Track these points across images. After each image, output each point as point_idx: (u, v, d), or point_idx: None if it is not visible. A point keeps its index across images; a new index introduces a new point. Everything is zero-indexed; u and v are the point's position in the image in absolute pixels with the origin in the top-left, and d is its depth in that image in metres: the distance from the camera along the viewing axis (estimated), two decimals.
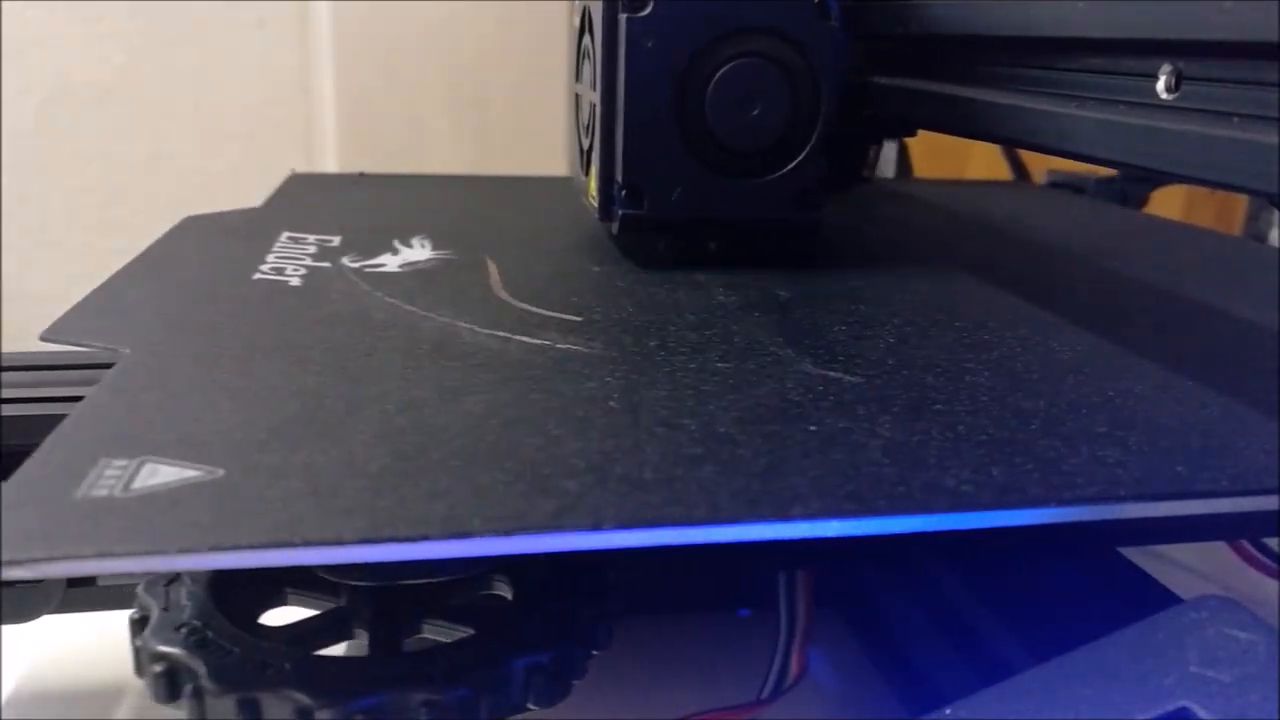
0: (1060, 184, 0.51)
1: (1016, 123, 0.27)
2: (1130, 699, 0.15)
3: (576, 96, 0.33)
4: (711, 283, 0.28)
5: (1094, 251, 0.38)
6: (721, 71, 0.28)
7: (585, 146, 0.31)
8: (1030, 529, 0.17)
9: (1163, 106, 0.22)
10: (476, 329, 0.23)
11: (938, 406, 0.20)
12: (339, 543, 0.15)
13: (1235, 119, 0.20)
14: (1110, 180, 0.48)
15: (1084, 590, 0.23)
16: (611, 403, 0.20)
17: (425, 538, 0.15)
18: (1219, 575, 0.32)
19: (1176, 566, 0.32)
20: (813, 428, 0.19)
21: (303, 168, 0.77)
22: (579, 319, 0.25)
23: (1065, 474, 0.17)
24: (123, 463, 0.16)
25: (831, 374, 0.22)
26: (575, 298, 0.26)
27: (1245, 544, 0.30)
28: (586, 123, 0.31)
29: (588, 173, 0.31)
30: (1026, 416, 0.20)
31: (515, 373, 0.21)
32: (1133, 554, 0.24)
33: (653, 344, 0.23)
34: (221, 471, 0.16)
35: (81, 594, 0.25)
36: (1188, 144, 0.21)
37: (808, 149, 0.29)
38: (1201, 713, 0.14)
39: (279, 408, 0.19)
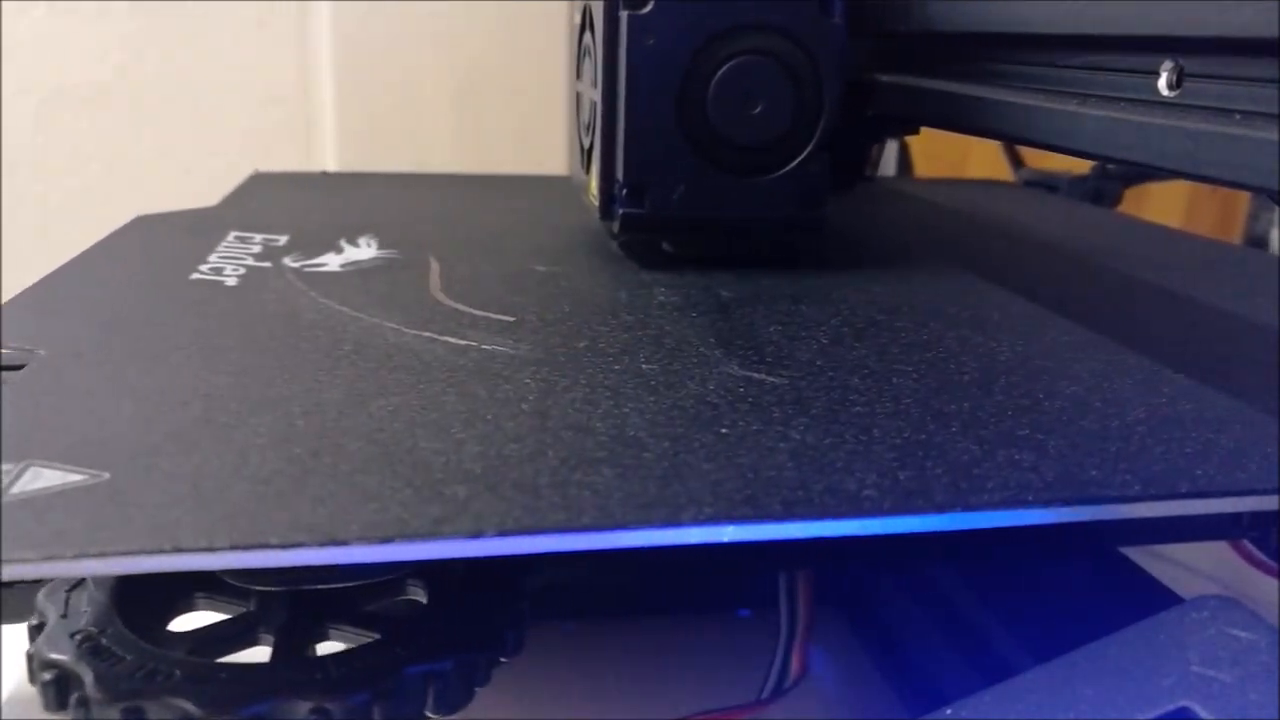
0: (1033, 182, 0.50)
1: (1017, 120, 0.27)
2: (1131, 699, 0.15)
3: (577, 95, 0.32)
4: (655, 283, 0.28)
5: (1054, 251, 0.37)
6: (723, 69, 0.28)
7: (586, 145, 0.31)
8: (1031, 529, 0.17)
9: (1164, 104, 0.22)
10: (403, 329, 0.23)
11: (857, 409, 0.20)
12: (210, 549, 0.14)
13: (1237, 115, 0.20)
14: (1083, 179, 0.48)
15: (1085, 590, 0.23)
16: (524, 405, 0.19)
17: (299, 545, 0.14)
18: (1220, 575, 0.31)
19: (1177, 566, 0.31)
20: (724, 430, 0.18)
21: (302, 167, 0.77)
22: (511, 319, 0.24)
23: (975, 478, 0.17)
24: (7, 467, 0.16)
25: (756, 375, 0.21)
26: (515, 297, 0.26)
27: (1246, 543, 0.29)
28: (587, 121, 0.30)
29: (588, 171, 0.31)
30: (948, 419, 0.19)
31: (432, 374, 0.21)
32: (1134, 554, 0.23)
33: (581, 345, 0.23)
34: (107, 475, 0.16)
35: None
36: (1189, 141, 0.21)
37: (810, 146, 0.29)
38: (1202, 713, 0.14)
39: (182, 410, 0.18)
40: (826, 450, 0.18)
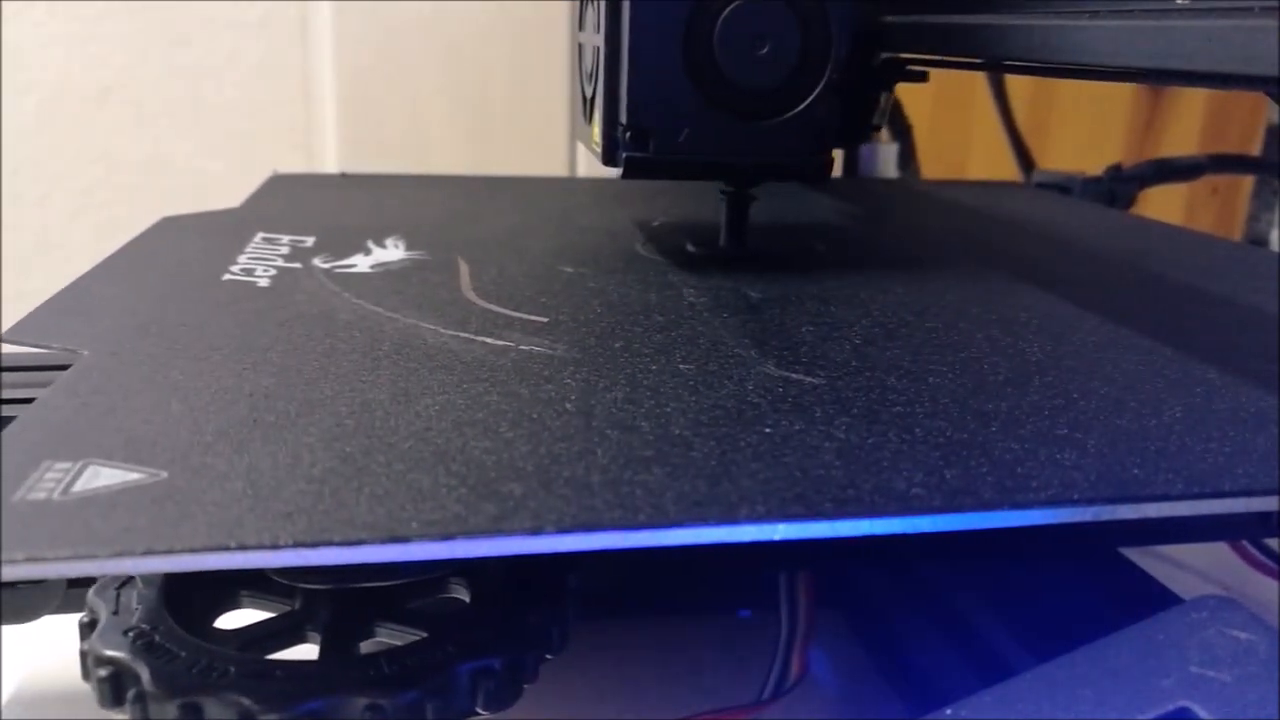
0: (1046, 184, 0.50)
1: (1028, 41, 0.26)
2: (1131, 699, 0.15)
3: (580, 46, 0.32)
4: (683, 283, 0.28)
5: (1075, 252, 0.38)
6: (730, 8, 0.27)
7: (589, 94, 0.30)
8: (1027, 529, 0.17)
9: (1179, 9, 0.22)
10: (440, 330, 0.23)
11: (897, 409, 0.20)
12: (274, 547, 0.14)
13: (1255, 9, 0.19)
14: (1097, 180, 0.48)
15: (1085, 590, 0.23)
16: (568, 405, 0.19)
17: (361, 542, 0.15)
18: (1219, 575, 0.31)
19: (1177, 566, 0.32)
20: (768, 429, 0.19)
21: (303, 168, 0.77)
22: (545, 320, 0.24)
23: (1020, 476, 0.17)
24: (65, 465, 0.16)
25: (793, 375, 0.21)
26: (545, 299, 0.26)
27: (1246, 544, 0.29)
28: (590, 70, 0.30)
29: (590, 120, 0.30)
30: (987, 419, 0.19)
31: (474, 374, 0.21)
32: (1133, 554, 0.24)
33: (617, 345, 0.23)
34: (165, 474, 0.16)
35: (83, 594, 0.25)
36: (1205, 39, 0.20)
37: (819, 89, 0.28)
38: (1202, 713, 0.14)
39: (229, 409, 0.18)
40: (871, 449, 0.18)
